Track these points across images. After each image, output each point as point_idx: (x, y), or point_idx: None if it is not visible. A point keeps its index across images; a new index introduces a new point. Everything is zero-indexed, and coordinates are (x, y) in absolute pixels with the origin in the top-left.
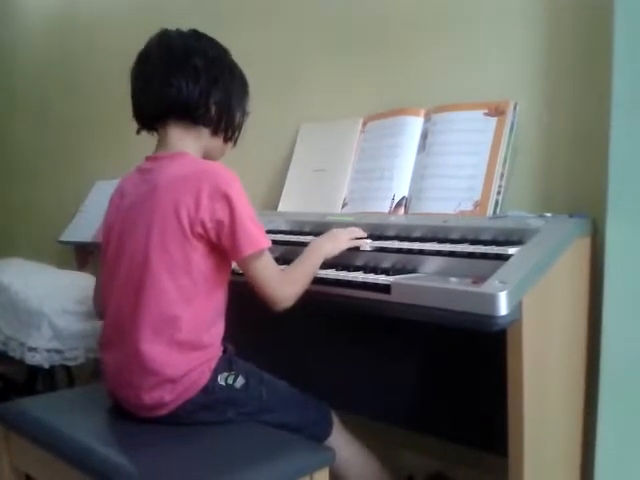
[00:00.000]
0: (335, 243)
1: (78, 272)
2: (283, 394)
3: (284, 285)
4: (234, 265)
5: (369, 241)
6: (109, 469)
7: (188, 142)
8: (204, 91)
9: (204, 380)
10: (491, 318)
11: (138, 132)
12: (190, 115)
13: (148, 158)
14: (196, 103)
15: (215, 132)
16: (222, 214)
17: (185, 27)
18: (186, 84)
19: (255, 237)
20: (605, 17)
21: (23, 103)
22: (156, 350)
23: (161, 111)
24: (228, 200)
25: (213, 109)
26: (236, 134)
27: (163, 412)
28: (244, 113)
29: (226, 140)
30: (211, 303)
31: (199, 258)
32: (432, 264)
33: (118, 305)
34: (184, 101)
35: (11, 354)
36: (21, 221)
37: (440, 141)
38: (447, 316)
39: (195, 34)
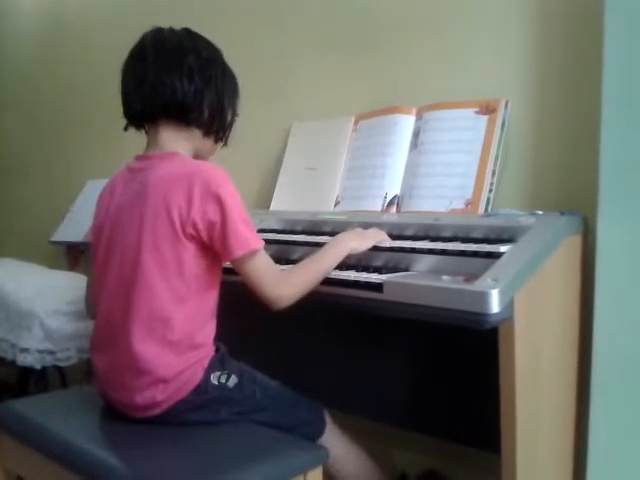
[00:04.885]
0: (362, 240)
1: (69, 272)
2: (276, 393)
3: (279, 285)
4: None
5: (389, 239)
6: (101, 470)
7: (179, 142)
8: (198, 92)
9: (197, 380)
10: (483, 316)
11: (126, 129)
12: (184, 116)
13: (138, 157)
14: (190, 104)
15: (207, 133)
16: (213, 215)
17: (175, 25)
18: (181, 84)
19: (246, 238)
20: (595, 16)
21: (13, 102)
22: (148, 350)
23: (153, 111)
24: (220, 201)
25: (206, 110)
26: (227, 134)
27: (156, 412)
28: (234, 113)
29: (217, 140)
30: (203, 304)
31: (191, 259)
32: (424, 262)
33: (109, 305)
34: (179, 102)
35: (2, 355)
36: (12, 221)
37: (432, 139)
38: (439, 314)
39: (189, 33)
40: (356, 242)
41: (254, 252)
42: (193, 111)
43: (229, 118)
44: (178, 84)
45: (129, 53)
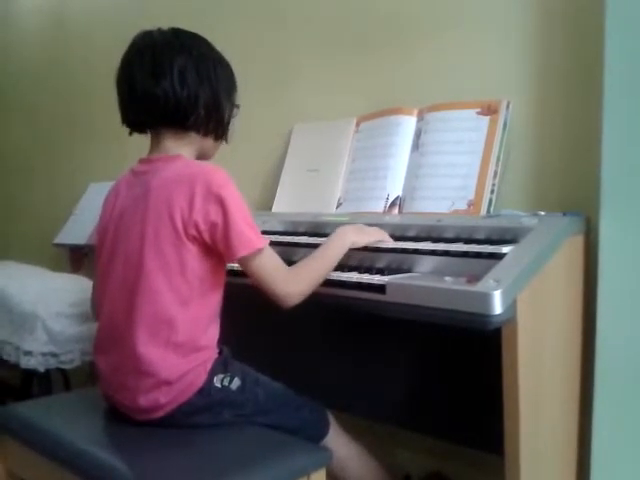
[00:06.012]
0: (362, 234)
1: (72, 275)
2: (279, 395)
3: (287, 283)
4: (234, 265)
5: (390, 240)
6: (105, 473)
7: (181, 145)
8: (193, 94)
9: (200, 382)
10: (485, 317)
11: (131, 133)
12: (181, 122)
13: (142, 160)
14: (186, 109)
15: (206, 134)
16: (215, 216)
17: (175, 25)
18: (173, 90)
19: (249, 238)
20: (596, 17)
21: (16, 103)
22: (152, 352)
23: (150, 120)
24: (221, 202)
25: (203, 111)
26: (227, 131)
27: (159, 414)
28: (233, 107)
29: (217, 138)
30: (207, 305)
31: (194, 260)
32: (427, 263)
33: (112, 307)
34: (173, 108)
35: (6, 358)
36: (15, 224)
37: (433, 140)
38: (442, 315)
39: (177, 33)
40: (356, 236)
41: (258, 251)
42: (189, 116)
43: (227, 114)
44: (170, 90)
45: (120, 62)
